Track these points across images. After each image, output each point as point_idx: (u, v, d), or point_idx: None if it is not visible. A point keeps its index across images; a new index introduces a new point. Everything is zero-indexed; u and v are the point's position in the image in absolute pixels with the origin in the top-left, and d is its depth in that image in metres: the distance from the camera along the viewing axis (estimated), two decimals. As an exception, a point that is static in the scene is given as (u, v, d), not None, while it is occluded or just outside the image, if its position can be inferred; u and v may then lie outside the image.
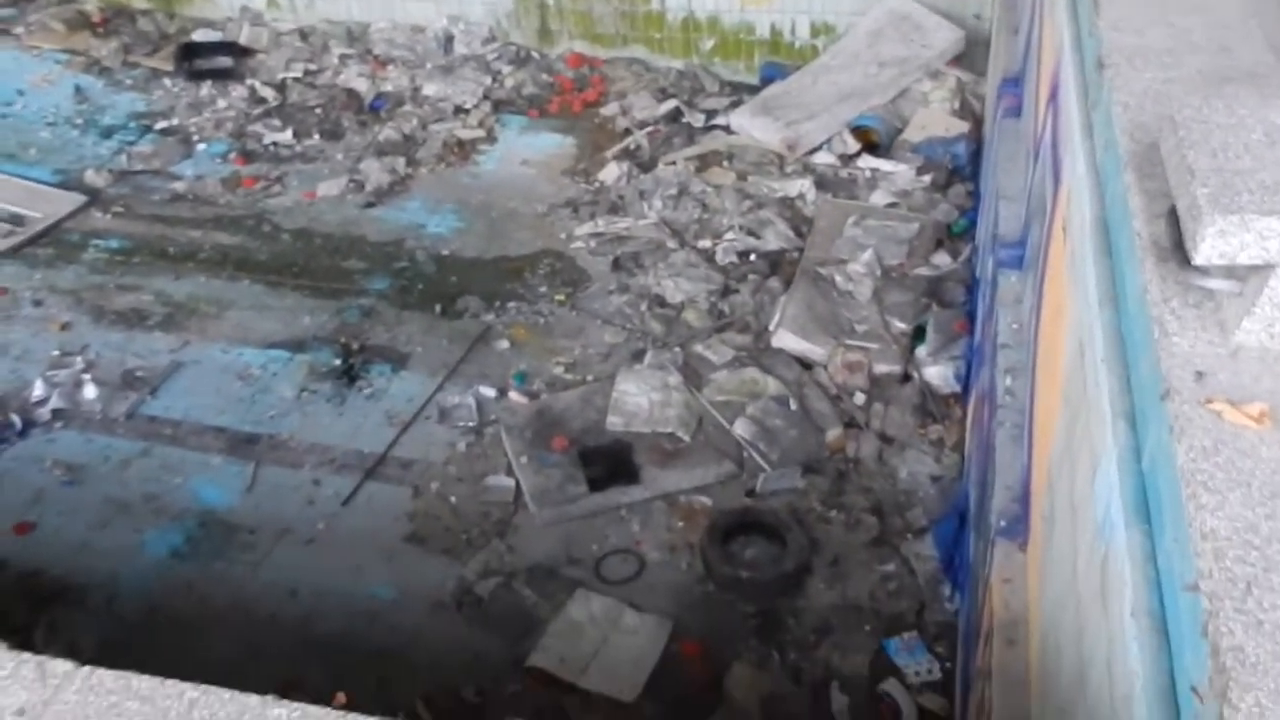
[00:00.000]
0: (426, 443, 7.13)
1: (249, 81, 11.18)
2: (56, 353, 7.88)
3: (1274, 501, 2.16)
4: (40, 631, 5.93)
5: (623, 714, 5.57)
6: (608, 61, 11.29)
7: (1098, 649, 2.71)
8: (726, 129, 10.07)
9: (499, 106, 10.79)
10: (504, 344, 7.90)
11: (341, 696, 5.11)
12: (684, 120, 10.34)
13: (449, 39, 11.52)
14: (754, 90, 10.52)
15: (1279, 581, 2.01)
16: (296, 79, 11.22)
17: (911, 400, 7.09)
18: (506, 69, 11.23)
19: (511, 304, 8.28)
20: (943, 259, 8.21)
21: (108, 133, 10.55)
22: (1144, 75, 3.61)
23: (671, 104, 10.49)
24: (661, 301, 8.15)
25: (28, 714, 2.27)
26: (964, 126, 9.53)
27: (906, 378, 7.29)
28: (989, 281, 6.26)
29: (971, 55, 10.12)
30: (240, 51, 11.54)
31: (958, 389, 7.08)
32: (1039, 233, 5.14)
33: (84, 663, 2.38)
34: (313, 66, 11.39)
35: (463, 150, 10.20)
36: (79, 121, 10.71)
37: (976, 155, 9.25)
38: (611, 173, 9.63)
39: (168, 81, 11.30)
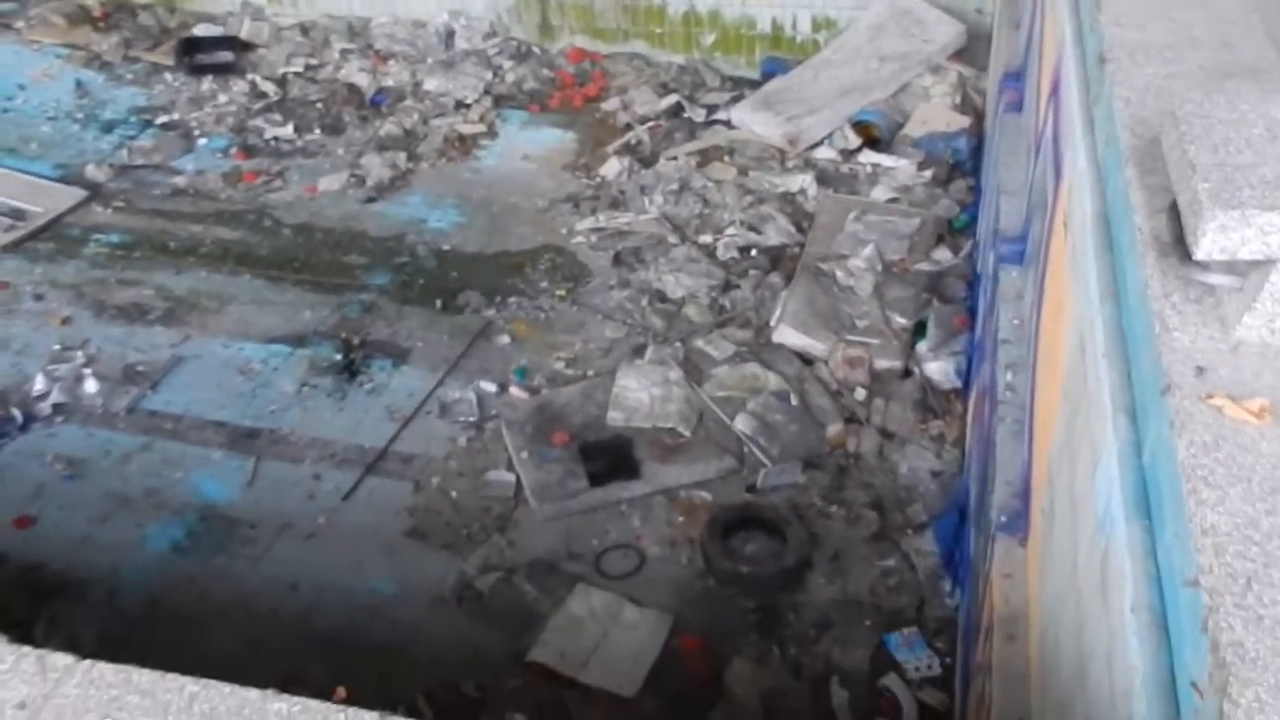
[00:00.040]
0: (427, 438, 7.14)
1: (250, 76, 11.17)
2: (57, 347, 7.89)
3: (1274, 497, 2.16)
4: (41, 625, 5.94)
5: (623, 709, 5.57)
6: (609, 56, 11.29)
7: (1098, 644, 2.71)
8: (727, 124, 10.07)
9: (500, 101, 10.78)
10: (505, 339, 7.90)
11: (342, 691, 5.11)
12: (685, 115, 10.33)
13: (450, 34, 11.51)
14: (755, 85, 10.51)
15: (1279, 577, 2.01)
16: (297, 74, 11.21)
17: (912, 396, 7.09)
18: (507, 64, 11.22)
19: (512, 299, 8.28)
20: (944, 254, 8.20)
21: (108, 127, 10.55)
22: (1145, 70, 3.61)
23: (672, 99, 10.49)
24: (662, 297, 8.15)
25: (28, 707, 2.27)
26: (965, 121, 9.52)
27: (907, 373, 7.29)
28: (990, 277, 6.26)
29: (973, 50, 10.11)
30: (241, 46, 11.54)
31: (958, 384, 7.07)
32: (1040, 228, 5.13)
33: (84, 657, 2.38)
34: (314, 61, 11.39)
35: (464, 145, 10.19)
36: (80, 116, 10.71)
37: (978, 150, 9.24)
38: (612, 168, 9.63)
39: (169, 76, 11.31)
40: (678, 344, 7.62)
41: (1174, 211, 2.77)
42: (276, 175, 9.83)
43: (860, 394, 7.17)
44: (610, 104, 10.63)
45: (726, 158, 9.66)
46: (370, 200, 9.47)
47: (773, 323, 7.65)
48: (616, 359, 7.58)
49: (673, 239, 8.70)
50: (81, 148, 10.24)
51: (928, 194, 8.95)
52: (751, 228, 8.70)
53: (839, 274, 7.84)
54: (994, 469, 4.74)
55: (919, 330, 7.47)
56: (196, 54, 11.37)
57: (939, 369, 7.18)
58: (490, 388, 7.44)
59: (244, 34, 11.67)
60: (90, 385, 7.49)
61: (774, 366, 7.32)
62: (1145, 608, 2.30)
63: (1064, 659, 3.19)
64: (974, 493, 5.66)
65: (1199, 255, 2.53)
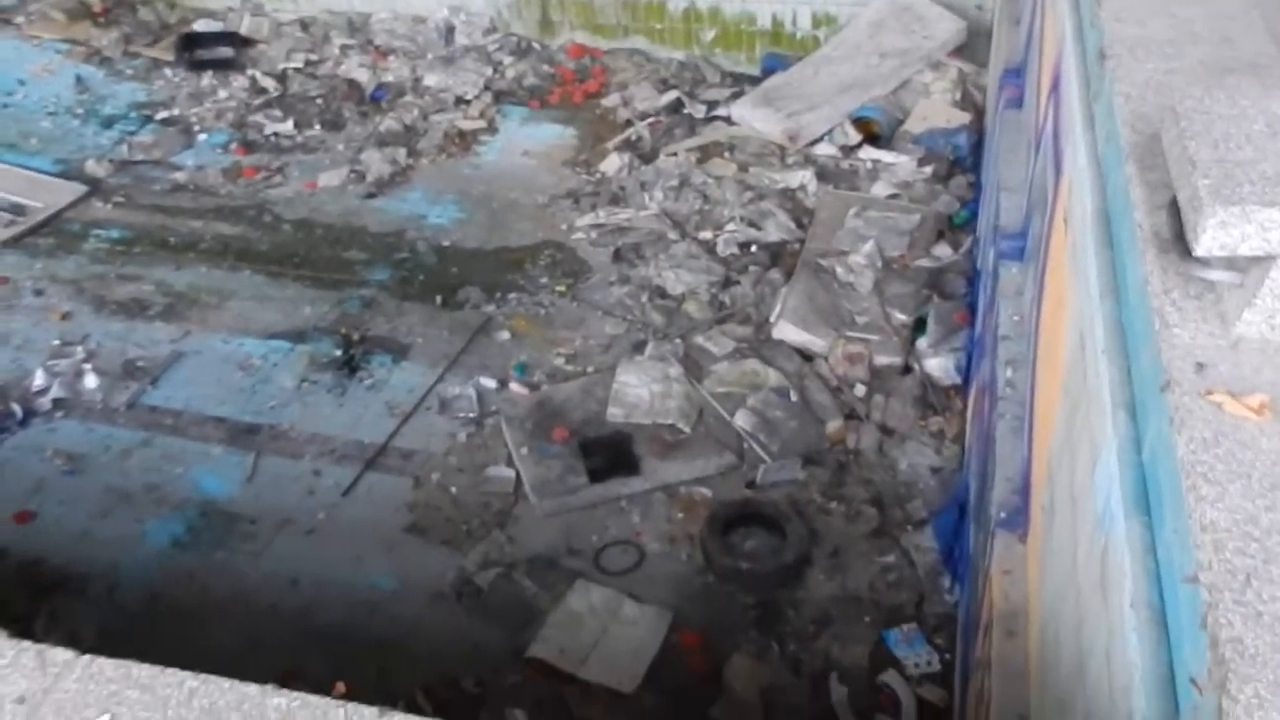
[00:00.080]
0: (427, 433, 7.14)
1: (250, 72, 11.16)
2: (57, 342, 7.88)
3: (1274, 493, 2.16)
4: (41, 620, 5.94)
5: (622, 704, 5.58)
6: (609, 52, 11.28)
7: (1097, 640, 2.72)
8: (728, 120, 10.06)
9: (500, 97, 10.78)
10: (505, 335, 7.90)
11: (341, 686, 5.12)
12: (685, 111, 10.33)
13: (450, 29, 11.50)
14: (755, 81, 10.50)
15: (1278, 573, 2.01)
16: (297, 69, 11.20)
17: (912, 392, 7.09)
18: (507, 60, 11.21)
19: (512, 295, 8.28)
20: (944, 250, 8.20)
21: (108, 123, 10.54)
22: (1146, 66, 3.61)
23: (673, 95, 10.48)
24: (662, 293, 8.14)
25: (28, 702, 2.28)
26: (965, 118, 9.52)
27: (907, 369, 7.28)
28: (990, 273, 6.25)
29: (973, 46, 10.10)
30: (241, 42, 11.53)
31: (958, 381, 7.07)
32: (1040, 224, 5.13)
33: (84, 652, 2.38)
34: (314, 57, 11.38)
35: (464, 141, 10.19)
36: (80, 111, 10.70)
37: (978, 146, 9.24)
38: (612, 164, 9.62)
39: (168, 71, 11.29)
40: (678, 340, 7.61)
41: (1174, 208, 2.77)
42: (276, 171, 9.83)
43: (860, 390, 7.16)
44: (610, 100, 10.62)
45: (727, 154, 9.65)
46: (370, 196, 9.46)
47: (773, 319, 7.65)
48: (616, 355, 7.58)
49: (673, 235, 8.70)
50: (81, 143, 10.23)
51: (928, 190, 8.94)
52: (751, 224, 8.70)
53: (839, 270, 7.84)
54: (994, 465, 4.74)
55: (919, 326, 7.47)
56: (197, 49, 11.36)
57: (939, 365, 7.18)
58: (490, 384, 7.44)
59: (244, 29, 11.67)
60: (90, 380, 7.49)
61: (774, 363, 7.31)
62: (1145, 604, 2.30)
63: (1063, 655, 3.20)
64: (974, 489, 5.66)
65: (1199, 251, 2.53)
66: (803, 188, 9.10)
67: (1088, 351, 3.24)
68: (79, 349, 7.80)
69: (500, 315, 8.08)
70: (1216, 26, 3.85)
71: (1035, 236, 5.31)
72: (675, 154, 9.62)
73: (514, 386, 7.39)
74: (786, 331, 7.49)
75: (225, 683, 2.29)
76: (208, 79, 11.09)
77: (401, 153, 9.89)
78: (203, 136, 10.31)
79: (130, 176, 9.78)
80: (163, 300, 8.35)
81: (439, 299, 8.25)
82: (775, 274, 8.15)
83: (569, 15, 11.29)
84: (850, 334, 7.40)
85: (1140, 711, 2.19)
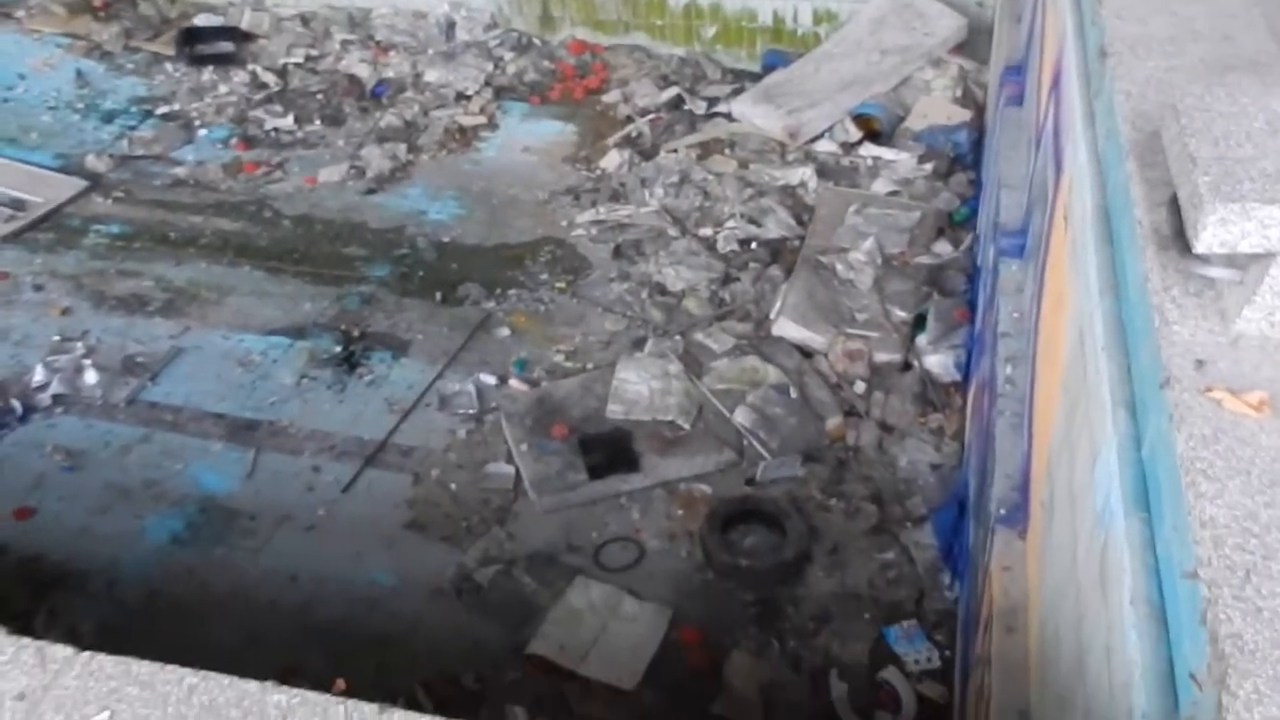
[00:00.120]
0: (427, 430, 7.14)
1: (250, 67, 11.16)
2: (57, 338, 7.88)
3: (1273, 489, 2.16)
4: (40, 617, 5.94)
5: (622, 701, 5.58)
6: (609, 48, 11.27)
7: (1097, 636, 2.72)
8: (728, 116, 10.05)
9: (500, 93, 10.77)
10: (504, 331, 7.90)
11: (341, 683, 5.11)
12: (685, 108, 10.32)
13: (450, 25, 11.49)
14: (756, 78, 10.50)
15: (1278, 569, 2.01)
16: (298, 64, 11.20)
17: (912, 389, 7.09)
18: (508, 55, 11.21)
19: (512, 291, 8.28)
20: (944, 247, 8.20)
21: (109, 117, 10.53)
22: (1146, 64, 3.61)
23: (673, 91, 10.47)
24: (662, 289, 8.14)
25: (28, 698, 2.28)
26: (966, 115, 9.52)
27: (907, 366, 7.29)
28: (990, 270, 6.25)
29: (974, 43, 10.10)
30: (242, 36, 11.52)
31: (958, 377, 7.07)
32: (1040, 221, 5.13)
33: (84, 648, 2.39)
34: (314, 52, 11.37)
35: (464, 137, 10.18)
36: (80, 106, 10.70)
37: (978, 143, 9.24)
38: (613, 160, 9.62)
39: (169, 66, 11.28)
40: (677, 337, 7.62)
41: (1174, 205, 2.77)
42: (277, 166, 9.82)
43: (860, 387, 7.16)
44: (611, 96, 10.61)
45: (727, 150, 9.65)
46: (370, 192, 9.46)
47: (772, 316, 7.65)
48: (616, 352, 7.58)
49: (673, 232, 8.70)
50: (82, 138, 10.22)
51: (928, 187, 8.94)
52: (752, 220, 8.70)
53: (839, 267, 7.84)
54: (993, 462, 4.74)
55: (919, 323, 7.47)
56: (197, 44, 11.35)
57: (939, 362, 7.18)
58: (490, 380, 7.44)
59: (244, 24, 11.65)
60: (90, 376, 7.49)
61: (774, 359, 7.31)
62: (1144, 600, 2.31)
63: (1063, 651, 3.20)
64: (973, 486, 5.66)
65: (1199, 249, 2.53)
66: (803, 184, 9.10)
67: (1087, 348, 3.24)
68: (79, 345, 7.79)
69: (500, 312, 8.08)
70: (1217, 24, 3.85)
71: (1035, 233, 5.31)
72: (675, 150, 9.62)
73: (514, 383, 7.39)
74: (786, 328, 7.49)
75: (225, 679, 2.30)
76: (208, 74, 11.09)
77: (402, 148, 9.89)
78: (203, 132, 10.31)
79: (130, 171, 9.78)
80: (162, 296, 8.35)
81: (439, 295, 8.25)
82: (775, 271, 8.14)
83: (570, 11, 11.28)
84: (850, 331, 7.40)
85: (1140, 707, 2.19)
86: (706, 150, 9.65)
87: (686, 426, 6.90)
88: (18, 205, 9.26)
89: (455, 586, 6.15)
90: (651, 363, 7.25)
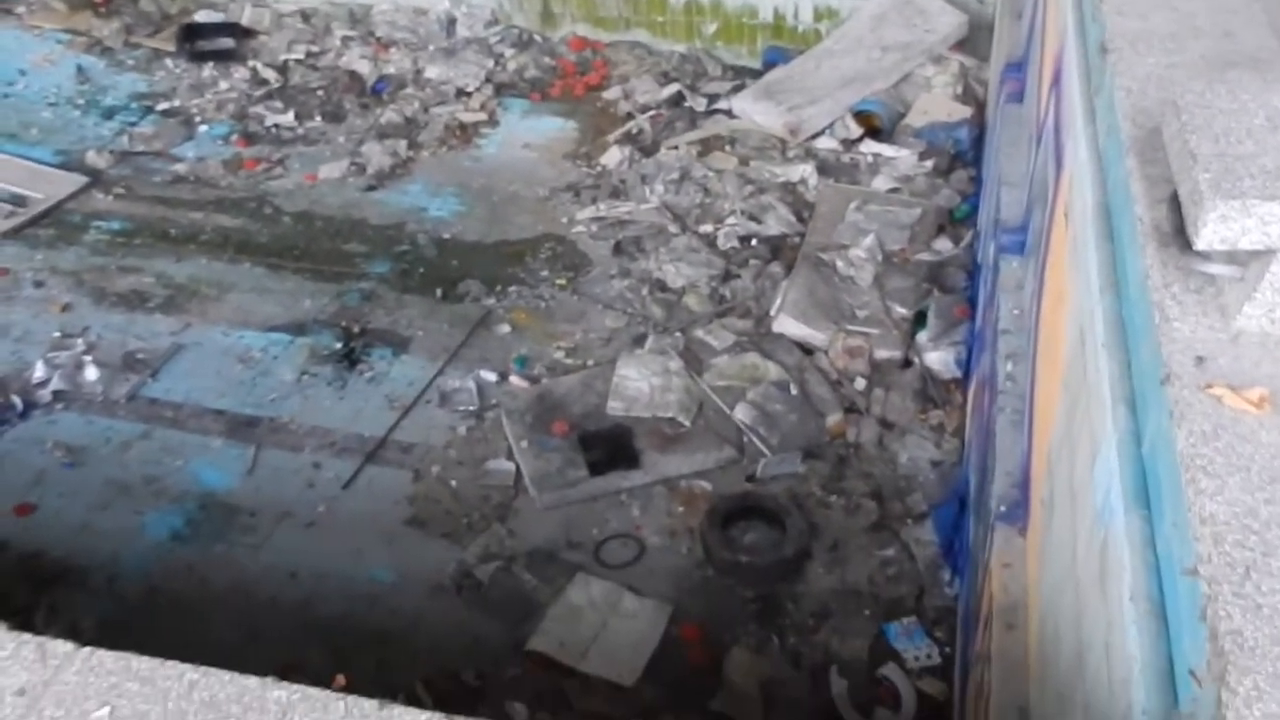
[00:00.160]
0: (427, 426, 7.14)
1: (251, 63, 11.15)
2: (57, 334, 7.88)
3: (1273, 486, 2.16)
4: (41, 613, 5.94)
5: (622, 697, 5.58)
6: (610, 45, 11.26)
7: (1096, 633, 2.72)
8: (729, 113, 10.05)
9: (501, 90, 10.76)
10: (505, 328, 7.90)
11: (341, 679, 5.10)
12: (686, 104, 10.31)
13: (451, 21, 11.49)
14: (756, 74, 10.49)
15: (1277, 566, 2.02)
16: (298, 61, 11.19)
17: (912, 385, 7.09)
18: (509, 52, 11.20)
19: (512, 288, 8.27)
20: (944, 244, 8.20)
21: (109, 113, 10.52)
22: (1147, 60, 3.61)
23: (674, 88, 10.46)
24: (663, 286, 8.14)
25: (28, 694, 2.28)
26: (966, 111, 9.51)
27: (907, 363, 7.29)
28: (990, 267, 6.25)
29: (974, 40, 10.09)
30: (242, 33, 11.51)
31: (958, 374, 7.07)
32: (1041, 218, 5.13)
33: (84, 644, 2.39)
34: (315, 48, 11.37)
35: (464, 133, 10.18)
36: (80, 102, 10.69)
37: (979, 140, 9.23)
38: (613, 157, 9.62)
39: (169, 62, 11.27)
40: (678, 333, 7.62)
41: (1175, 202, 2.77)
42: (277, 163, 9.81)
43: (860, 384, 7.16)
44: (611, 93, 10.61)
45: (727, 147, 9.64)
46: (371, 188, 9.45)
47: (773, 312, 7.65)
48: (617, 348, 7.58)
49: (673, 228, 8.70)
50: (82, 134, 10.22)
51: (929, 184, 8.94)
52: (752, 217, 8.69)
53: (839, 264, 7.84)
54: (994, 459, 4.74)
55: (919, 320, 7.47)
56: (198, 40, 11.34)
57: (939, 359, 7.18)
58: (490, 377, 7.44)
59: (245, 20, 11.64)
60: (90, 373, 7.48)
61: (774, 356, 7.31)
62: (1144, 597, 2.31)
63: (1063, 648, 3.20)
64: (973, 482, 5.66)
65: (1199, 245, 2.53)
66: (803, 181, 9.10)
67: (1088, 345, 3.24)
68: (79, 341, 7.79)
69: (500, 308, 8.08)
70: (1218, 20, 3.85)
71: (1036, 231, 5.31)
72: (676, 147, 9.61)
73: (514, 380, 7.39)
74: (787, 325, 7.49)
75: (225, 675, 2.30)
76: (209, 70, 11.07)
77: (402, 145, 9.88)
78: (203, 128, 10.30)
79: (131, 168, 9.77)
80: (163, 292, 8.35)
81: (439, 292, 8.25)
82: (776, 267, 8.14)
83: (570, 8, 11.28)
84: (850, 328, 7.40)
85: (1139, 704, 2.19)
86: (707, 147, 9.64)
87: (687, 423, 6.90)
88: (18, 201, 9.25)
89: (455, 583, 6.15)
90: (652, 359, 7.25)
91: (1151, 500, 2.45)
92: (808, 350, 7.42)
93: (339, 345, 7.77)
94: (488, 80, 10.81)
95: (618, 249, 8.61)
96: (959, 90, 9.77)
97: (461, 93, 10.65)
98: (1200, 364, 2.46)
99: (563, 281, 8.32)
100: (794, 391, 7.06)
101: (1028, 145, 6.31)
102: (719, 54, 10.99)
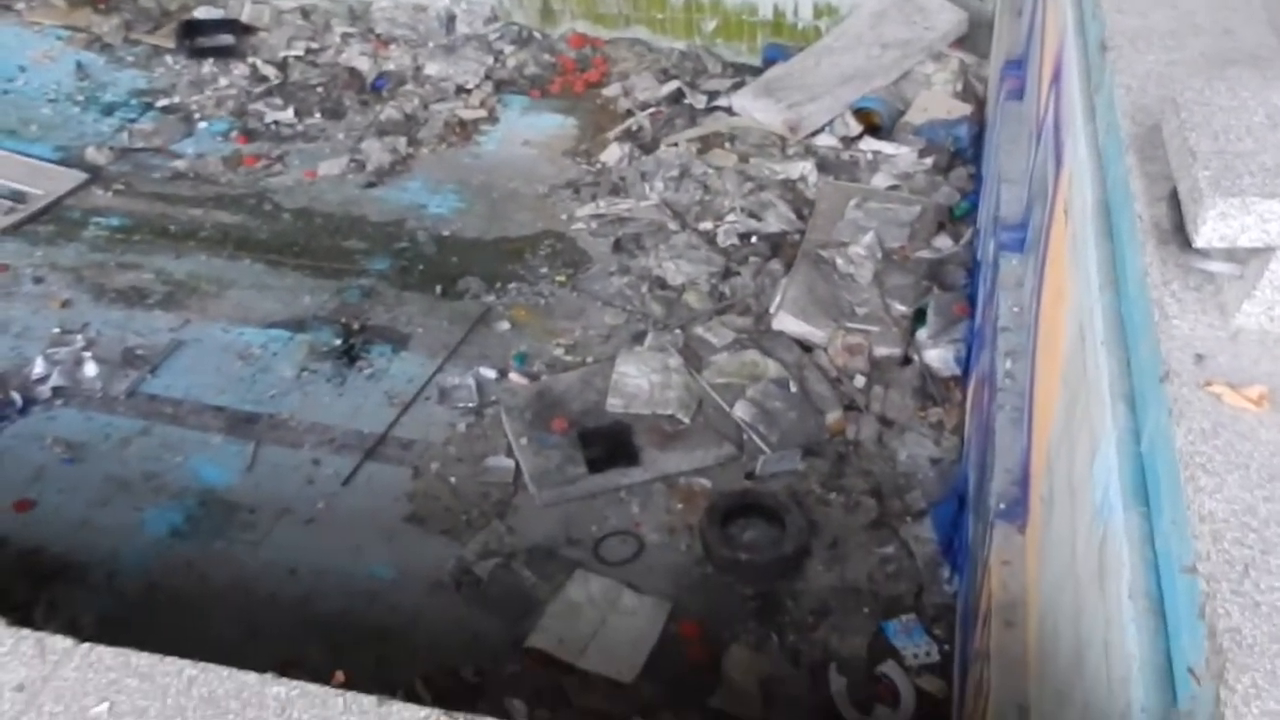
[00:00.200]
0: (426, 423, 7.14)
1: (250, 59, 11.15)
2: (57, 330, 7.88)
3: (1272, 484, 2.16)
4: (40, 608, 5.95)
5: (621, 694, 5.59)
6: (610, 42, 11.26)
7: (1095, 630, 2.72)
8: (728, 110, 10.04)
9: (501, 86, 10.76)
10: (504, 325, 7.90)
11: (340, 675, 5.11)
12: (686, 101, 10.31)
13: (451, 18, 11.48)
14: (756, 72, 10.49)
15: (1276, 564, 2.02)
16: (298, 57, 11.19)
17: (911, 383, 7.09)
18: (508, 49, 11.20)
19: (512, 285, 8.27)
20: (944, 242, 8.20)
21: (109, 110, 10.52)
22: (1147, 58, 3.60)
23: (674, 85, 10.46)
24: (662, 283, 8.14)
25: (27, 690, 2.28)
26: (966, 109, 9.51)
27: (907, 361, 7.29)
28: (990, 264, 6.25)
29: (974, 37, 10.09)
30: (242, 29, 11.51)
31: (958, 372, 7.07)
32: (1040, 216, 5.13)
33: (83, 640, 2.39)
34: (314, 45, 11.36)
35: (464, 130, 10.18)
36: (80, 98, 10.69)
37: (979, 138, 9.23)
38: (613, 154, 9.61)
39: (169, 59, 11.27)
40: (677, 331, 7.62)
41: (1174, 199, 2.77)
42: (277, 159, 9.81)
43: (860, 381, 7.17)
44: (611, 90, 10.61)
45: (727, 144, 9.64)
46: (370, 185, 9.45)
47: (772, 310, 7.65)
48: (616, 345, 7.58)
49: (673, 225, 8.70)
50: (82, 130, 10.22)
51: (928, 181, 8.94)
52: (752, 214, 8.69)
53: (839, 261, 7.84)
54: (993, 456, 4.74)
55: (919, 317, 7.46)
56: (197, 37, 11.34)
57: (938, 356, 7.18)
58: (490, 374, 7.44)
59: (245, 17, 11.64)
60: (90, 369, 7.49)
61: (773, 354, 7.31)
62: (1143, 594, 2.31)
63: (1062, 646, 3.20)
64: (973, 480, 5.66)
65: (1199, 243, 2.53)
66: (803, 179, 9.09)
67: (1087, 343, 3.24)
68: (79, 337, 7.80)
69: (500, 305, 8.08)
70: (1218, 17, 3.84)
71: (1035, 228, 5.30)
72: (676, 144, 9.61)
73: (513, 376, 7.39)
74: (786, 322, 7.49)
75: (224, 671, 2.30)
76: (208, 66, 11.08)
77: (402, 142, 9.88)
78: (203, 124, 10.30)
79: (130, 164, 9.77)
80: (162, 289, 8.35)
81: (439, 289, 8.25)
82: (775, 265, 8.14)
83: (570, 4, 11.27)
84: (850, 325, 7.40)
85: (1138, 701, 2.19)
86: (707, 144, 9.64)
87: (686, 420, 6.90)
88: (18, 197, 9.25)
89: (455, 580, 6.15)
90: (651, 357, 7.25)
91: (1150, 498, 2.45)
92: (807, 347, 7.42)
93: (338, 342, 7.77)
94: (487, 77, 10.81)
95: (617, 246, 8.61)
96: (959, 87, 9.77)
97: (461, 89, 10.65)
98: (1199, 362, 2.46)
99: (562, 278, 8.32)
100: (793, 389, 7.06)
101: (1027, 142, 6.31)
102: (719, 51, 10.99)
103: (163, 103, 10.58)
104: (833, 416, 6.94)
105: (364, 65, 10.99)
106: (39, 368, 7.46)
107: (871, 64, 9.89)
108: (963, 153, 9.23)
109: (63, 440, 7.03)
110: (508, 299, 8.14)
